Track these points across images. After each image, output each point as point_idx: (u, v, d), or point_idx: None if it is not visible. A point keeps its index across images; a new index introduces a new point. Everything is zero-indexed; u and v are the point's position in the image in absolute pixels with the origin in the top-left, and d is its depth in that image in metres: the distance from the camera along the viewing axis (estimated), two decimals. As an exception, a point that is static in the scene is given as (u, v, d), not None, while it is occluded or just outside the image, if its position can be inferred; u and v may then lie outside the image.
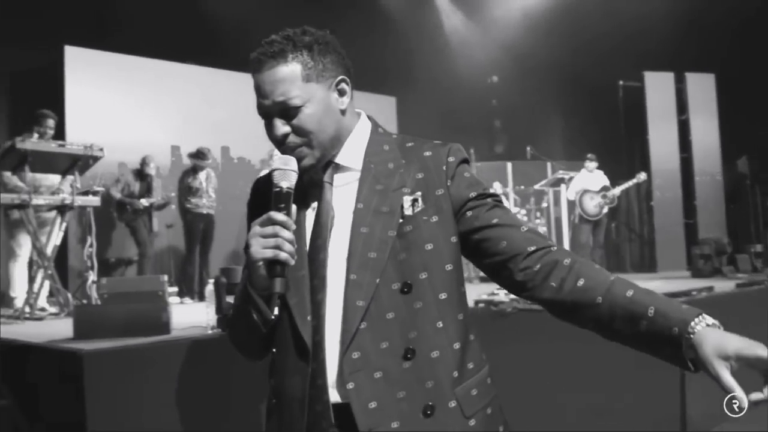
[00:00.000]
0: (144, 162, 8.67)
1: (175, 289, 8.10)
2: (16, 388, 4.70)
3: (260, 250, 1.49)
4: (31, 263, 7.06)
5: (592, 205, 10.08)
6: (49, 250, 6.59)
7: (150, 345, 4.34)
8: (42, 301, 6.69)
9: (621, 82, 11.83)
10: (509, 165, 12.32)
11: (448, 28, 13.87)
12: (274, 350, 1.63)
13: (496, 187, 9.87)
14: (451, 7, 13.87)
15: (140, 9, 9.12)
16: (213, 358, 4.35)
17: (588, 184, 10.18)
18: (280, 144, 1.59)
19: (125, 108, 9.74)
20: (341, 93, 1.62)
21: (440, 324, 1.55)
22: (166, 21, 9.39)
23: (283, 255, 1.49)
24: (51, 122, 7.06)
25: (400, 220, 1.57)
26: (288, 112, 1.56)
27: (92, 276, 6.92)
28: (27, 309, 6.31)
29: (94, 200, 7.02)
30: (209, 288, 4.75)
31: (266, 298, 1.55)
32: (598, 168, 10.40)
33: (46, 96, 8.72)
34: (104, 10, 9.37)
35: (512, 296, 6.04)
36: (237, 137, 10.90)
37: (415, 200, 1.58)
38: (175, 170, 9.76)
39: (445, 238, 1.58)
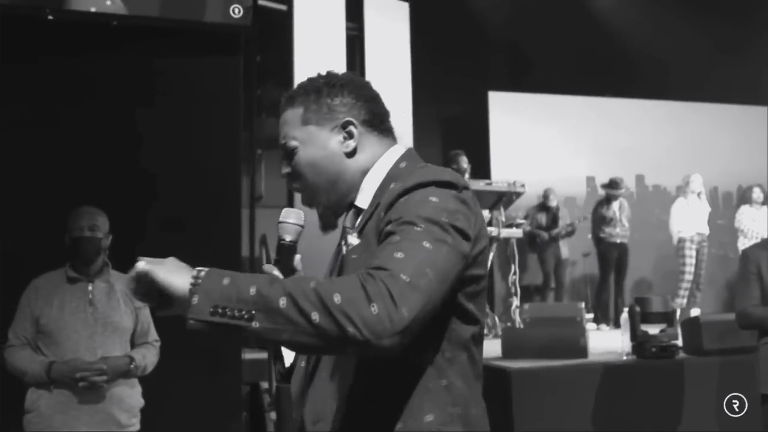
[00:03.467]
0: (546, 195, 9.16)
1: (591, 315, 8.37)
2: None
3: None
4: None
5: None
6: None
7: (568, 366, 4.70)
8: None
9: None
10: None
11: None
12: None
13: None
14: None
15: (550, 51, 9.71)
16: (626, 383, 4.56)
17: None
18: (289, 188, 1.61)
19: (543, 144, 10.35)
20: (349, 135, 1.54)
21: (336, 378, 1.42)
22: (574, 58, 9.85)
23: None
24: (464, 159, 7.85)
25: (340, 261, 1.48)
26: (289, 154, 1.55)
27: (516, 301, 7.54)
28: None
29: (517, 232, 7.71)
30: (624, 316, 4.96)
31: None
32: None
33: (473, 139, 9.71)
34: (520, 56, 10.17)
35: None
36: (651, 165, 10.88)
37: (345, 239, 1.47)
38: (590, 201, 10.08)
39: None
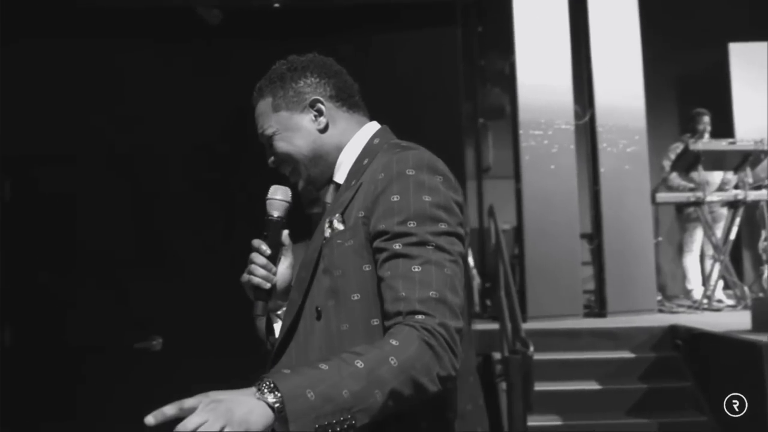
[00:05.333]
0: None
1: None
2: (697, 371, 5.12)
3: (244, 274, 1.63)
4: (702, 256, 7.42)
5: None
6: (724, 245, 6.86)
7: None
8: (719, 293, 6.98)
9: None
10: None
11: None
12: None
13: None
14: None
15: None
16: None
17: None
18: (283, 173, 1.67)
19: (794, 96, 9.41)
20: (319, 113, 1.62)
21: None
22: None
23: (255, 279, 1.61)
24: (706, 119, 7.29)
25: (323, 242, 1.51)
26: (268, 142, 1.64)
27: (767, 270, 6.95)
28: (704, 301, 6.70)
29: (766, 194, 7.07)
30: None
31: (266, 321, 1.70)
32: None
33: (712, 95, 9.01)
34: (764, 1, 9.25)
35: None
36: None
37: (330, 222, 1.50)
38: None
39: (356, 266, 1.46)
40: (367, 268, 1.44)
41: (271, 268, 1.63)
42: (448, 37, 4.49)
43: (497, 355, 5.37)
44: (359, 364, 1.23)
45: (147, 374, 3.51)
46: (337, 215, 1.50)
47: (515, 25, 6.56)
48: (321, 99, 1.62)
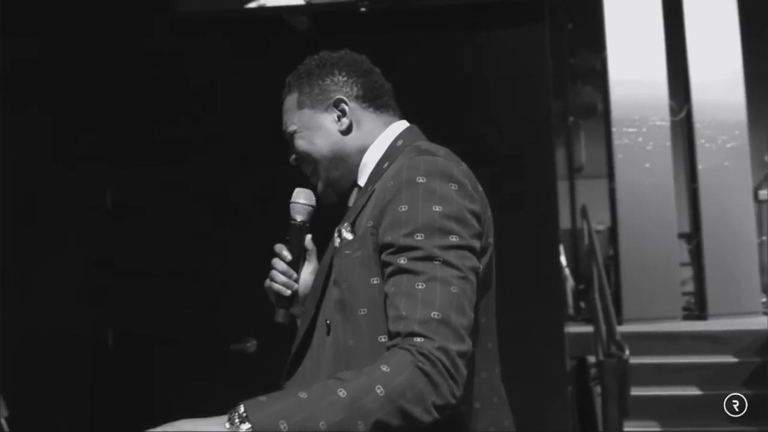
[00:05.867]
0: None
1: None
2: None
3: (266, 280, 1.60)
4: None
5: None
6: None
7: None
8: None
9: None
10: None
11: None
12: None
13: None
14: None
15: None
16: None
17: None
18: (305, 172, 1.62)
19: None
20: (342, 113, 1.53)
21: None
22: None
23: (275, 286, 1.57)
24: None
25: (333, 251, 1.44)
26: (290, 139, 1.57)
27: None
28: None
29: None
30: None
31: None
32: None
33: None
34: None
35: None
36: None
37: (339, 231, 1.43)
38: None
39: (363, 278, 1.35)
40: (375, 282, 1.34)
41: (291, 275, 1.58)
42: (537, 35, 4.38)
43: (591, 359, 5.27)
44: (341, 392, 1.13)
45: (239, 375, 3.59)
46: (346, 224, 1.42)
47: (606, 19, 6.45)
48: (345, 99, 1.53)
